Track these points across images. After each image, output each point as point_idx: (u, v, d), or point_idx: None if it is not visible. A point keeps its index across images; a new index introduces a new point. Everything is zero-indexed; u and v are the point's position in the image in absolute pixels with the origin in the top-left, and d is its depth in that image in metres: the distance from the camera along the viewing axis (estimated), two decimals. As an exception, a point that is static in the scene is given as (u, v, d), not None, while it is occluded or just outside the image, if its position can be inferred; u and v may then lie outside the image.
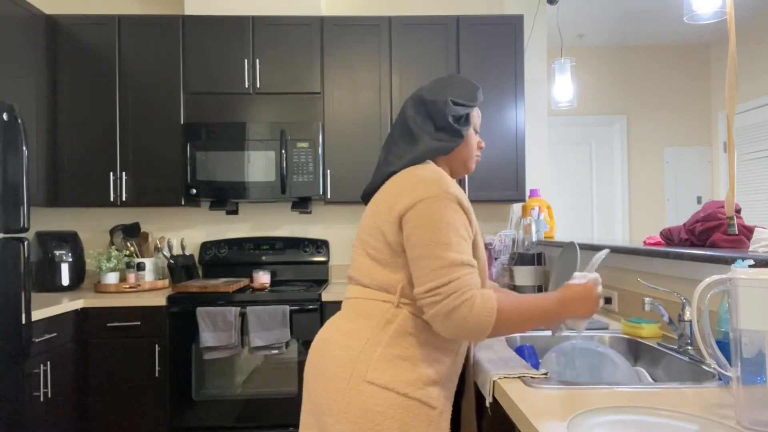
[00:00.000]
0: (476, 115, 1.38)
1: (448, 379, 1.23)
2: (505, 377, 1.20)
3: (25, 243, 2.24)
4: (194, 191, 2.97)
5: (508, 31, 3.14)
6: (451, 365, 1.24)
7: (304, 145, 3.00)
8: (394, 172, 1.29)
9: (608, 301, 2.12)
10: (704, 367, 1.32)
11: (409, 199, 1.18)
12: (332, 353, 1.21)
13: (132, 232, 3.26)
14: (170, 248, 3.19)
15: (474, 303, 1.10)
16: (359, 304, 1.25)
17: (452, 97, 1.30)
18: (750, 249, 1.51)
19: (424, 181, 1.19)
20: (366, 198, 1.40)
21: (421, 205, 1.16)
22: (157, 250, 3.22)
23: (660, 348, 1.52)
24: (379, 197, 1.27)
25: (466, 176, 3.13)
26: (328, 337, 1.26)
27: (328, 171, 3.09)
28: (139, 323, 2.72)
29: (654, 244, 1.92)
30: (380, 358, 1.16)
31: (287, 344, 2.74)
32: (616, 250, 1.96)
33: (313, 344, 1.30)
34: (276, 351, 2.70)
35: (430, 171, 1.22)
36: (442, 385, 1.21)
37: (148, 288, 3.02)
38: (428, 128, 1.30)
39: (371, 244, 1.25)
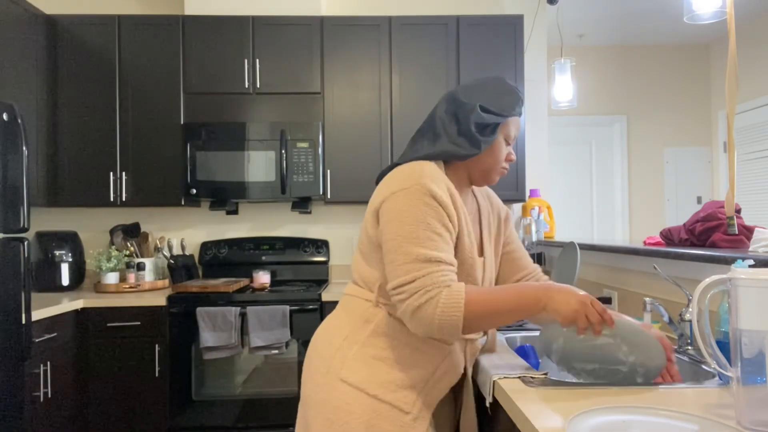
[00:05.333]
0: (513, 125, 1.27)
1: (429, 385, 1.20)
2: (505, 377, 1.20)
3: (25, 243, 2.24)
4: (194, 191, 2.97)
5: (508, 31, 3.14)
6: (433, 370, 1.20)
7: (304, 145, 3.00)
8: (399, 164, 1.25)
9: (608, 301, 2.12)
10: (704, 367, 1.32)
11: (384, 193, 1.17)
12: (316, 347, 1.24)
13: (132, 232, 3.26)
14: (170, 248, 3.19)
15: (438, 301, 1.05)
16: (345, 301, 1.27)
17: (483, 102, 1.22)
18: (750, 249, 1.51)
19: (401, 174, 1.17)
20: (378, 182, 1.38)
21: (392, 198, 1.14)
22: (157, 250, 3.22)
23: (660, 348, 1.52)
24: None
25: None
26: (318, 332, 1.29)
27: (328, 171, 3.09)
28: (139, 323, 2.72)
29: (654, 244, 1.92)
30: (355, 357, 1.17)
31: (287, 344, 2.74)
32: (616, 250, 1.96)
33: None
34: (276, 351, 2.70)
35: (413, 165, 1.18)
36: (419, 391, 1.18)
37: (148, 288, 3.02)
38: (451, 130, 1.23)
39: (361, 238, 1.26)
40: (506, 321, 1.11)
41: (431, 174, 1.16)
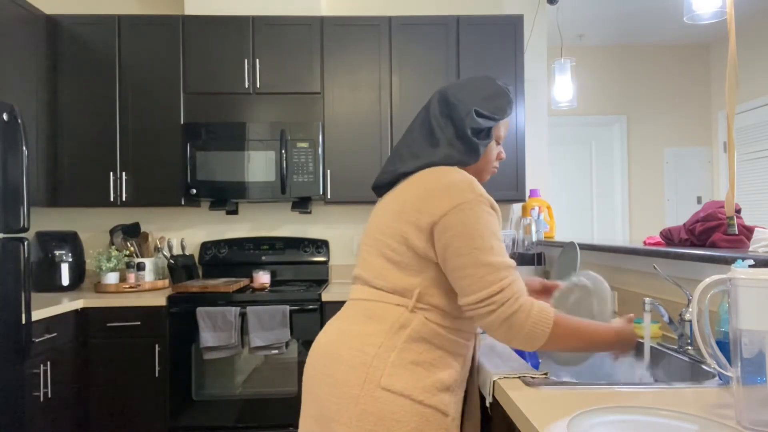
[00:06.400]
0: (503, 126, 1.31)
1: (458, 384, 1.21)
2: (505, 377, 1.20)
3: (25, 243, 2.24)
4: (194, 191, 2.97)
5: (508, 31, 3.14)
6: (460, 370, 1.21)
7: (304, 145, 3.00)
8: (407, 173, 1.24)
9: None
10: (704, 367, 1.32)
11: (442, 206, 1.13)
12: (342, 357, 1.16)
13: (132, 232, 3.26)
14: (170, 248, 3.19)
15: (531, 309, 1.10)
16: (370, 307, 1.20)
17: (477, 107, 1.23)
18: (750, 249, 1.51)
19: (456, 187, 1.15)
20: (378, 190, 1.34)
21: (456, 211, 1.12)
22: (157, 250, 3.22)
23: (660, 348, 1.52)
24: (400, 197, 1.21)
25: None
26: (334, 340, 1.20)
27: (328, 171, 3.09)
28: (139, 323, 2.72)
29: (654, 244, 1.92)
30: (395, 363, 1.13)
31: (287, 344, 2.74)
32: (616, 250, 1.96)
33: (315, 346, 1.24)
34: (276, 351, 2.70)
35: (460, 174, 1.18)
36: (452, 391, 1.18)
37: (148, 288, 3.02)
38: (448, 133, 1.24)
39: (390, 245, 1.19)
40: (579, 348, 1.18)
41: (479, 183, 1.19)
